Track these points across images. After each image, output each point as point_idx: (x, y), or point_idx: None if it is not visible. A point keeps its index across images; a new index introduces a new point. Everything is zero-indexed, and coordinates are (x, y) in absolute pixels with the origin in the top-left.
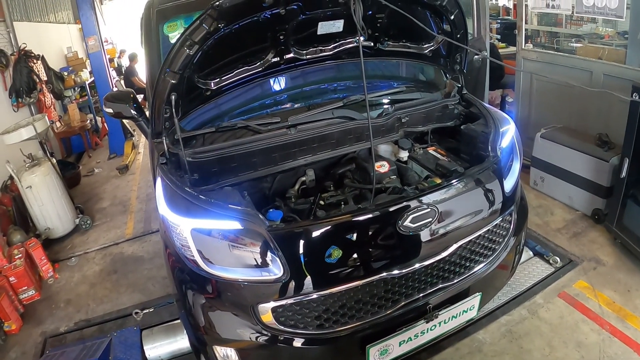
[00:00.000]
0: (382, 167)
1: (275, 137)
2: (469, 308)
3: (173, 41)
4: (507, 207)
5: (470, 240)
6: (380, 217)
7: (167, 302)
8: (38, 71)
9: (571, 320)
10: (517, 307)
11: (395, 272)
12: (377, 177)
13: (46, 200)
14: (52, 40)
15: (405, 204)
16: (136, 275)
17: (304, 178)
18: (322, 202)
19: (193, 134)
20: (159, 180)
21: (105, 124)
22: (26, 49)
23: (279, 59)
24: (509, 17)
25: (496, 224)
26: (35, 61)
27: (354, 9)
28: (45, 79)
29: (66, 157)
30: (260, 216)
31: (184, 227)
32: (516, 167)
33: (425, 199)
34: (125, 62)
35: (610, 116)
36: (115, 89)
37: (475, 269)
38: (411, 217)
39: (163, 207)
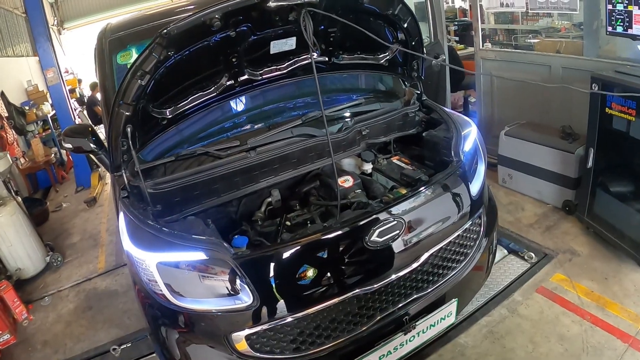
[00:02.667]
0: (346, 181)
1: (236, 162)
2: (447, 315)
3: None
4: (475, 210)
5: (441, 248)
6: (347, 234)
7: (144, 335)
8: None
9: (551, 314)
10: (497, 307)
11: (368, 287)
12: (342, 193)
13: (14, 240)
14: (11, 75)
15: (370, 218)
16: (111, 309)
17: (269, 199)
18: (288, 223)
19: (152, 165)
20: (121, 215)
21: (70, 157)
22: None
23: (233, 81)
24: (466, 19)
25: (466, 228)
26: None
27: (304, 25)
28: (6, 115)
29: (33, 193)
30: (225, 244)
31: (149, 261)
32: (481, 169)
33: (391, 211)
34: (86, 92)
35: (572, 108)
36: (78, 120)
37: (449, 275)
38: (378, 231)
39: (127, 243)
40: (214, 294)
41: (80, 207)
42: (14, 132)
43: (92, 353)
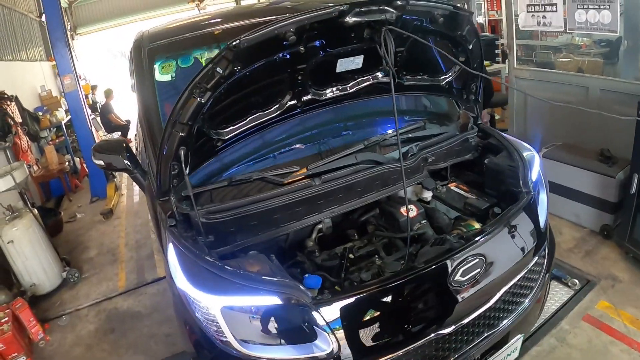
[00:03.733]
0: (409, 211)
1: (299, 190)
2: (513, 351)
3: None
4: (542, 243)
5: (514, 284)
6: (431, 274)
7: None
8: (12, 113)
9: (600, 343)
10: (545, 336)
11: (449, 328)
12: (406, 223)
13: (30, 254)
14: (25, 79)
15: (455, 256)
16: (136, 333)
17: (320, 226)
18: (351, 256)
19: (204, 190)
20: (170, 247)
21: (84, 165)
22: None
23: (296, 101)
24: (486, 34)
25: (535, 262)
26: (9, 103)
27: (384, 44)
28: (20, 120)
29: (45, 202)
30: (301, 287)
31: (213, 305)
32: (544, 199)
33: (472, 248)
34: (99, 98)
35: (610, 131)
36: (92, 129)
37: (517, 311)
38: (461, 270)
39: (182, 282)
40: (288, 341)
41: (96, 219)
42: (27, 138)
43: None
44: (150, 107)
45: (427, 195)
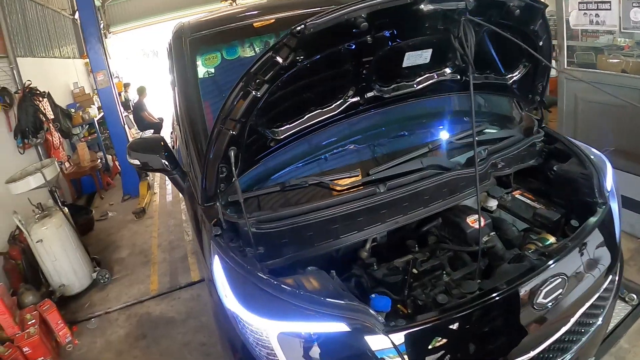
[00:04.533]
0: (476, 221)
1: (362, 198)
2: None
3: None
4: (617, 258)
5: (591, 303)
6: (514, 296)
7: None
8: (44, 109)
9: None
10: (605, 355)
11: (527, 356)
12: (474, 235)
13: (59, 254)
14: (57, 76)
15: (539, 275)
16: (169, 341)
17: (375, 235)
18: (415, 270)
19: (254, 195)
20: (216, 261)
21: (116, 163)
22: (31, 85)
23: (359, 98)
24: None
25: (610, 279)
26: (41, 99)
27: (464, 35)
28: (52, 117)
29: (77, 199)
30: (372, 312)
31: (269, 331)
32: (616, 210)
33: (555, 266)
34: (132, 96)
35: None
36: (125, 126)
37: (590, 331)
38: (544, 291)
39: (232, 302)
40: None
41: (128, 218)
42: (59, 135)
43: None
44: (192, 103)
45: (493, 204)
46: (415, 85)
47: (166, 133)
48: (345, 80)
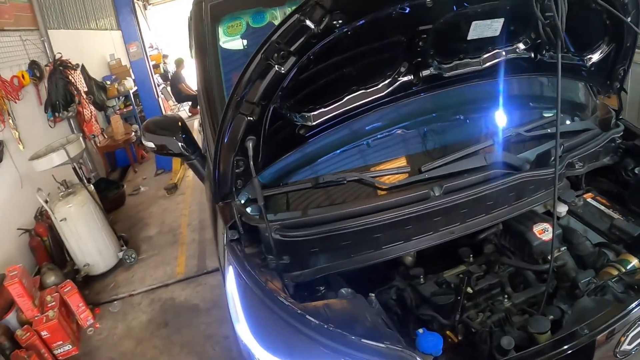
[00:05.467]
0: (544, 232)
1: (413, 203)
2: None
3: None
4: None
5: None
6: (595, 342)
7: None
8: (76, 82)
9: None
10: None
11: None
12: (541, 249)
13: (84, 233)
14: (93, 48)
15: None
16: (191, 331)
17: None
18: (470, 290)
19: (278, 193)
20: (231, 273)
21: None
22: (62, 58)
23: (412, 77)
24: None
25: None
26: (72, 71)
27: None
28: (86, 89)
29: (110, 172)
30: (418, 358)
31: None
32: None
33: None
34: (170, 68)
35: None
36: (161, 97)
37: None
38: (631, 335)
39: (245, 332)
40: None
41: (159, 193)
42: (93, 108)
43: None
44: (210, 77)
45: (563, 209)
46: (481, 63)
47: None
48: (396, 54)
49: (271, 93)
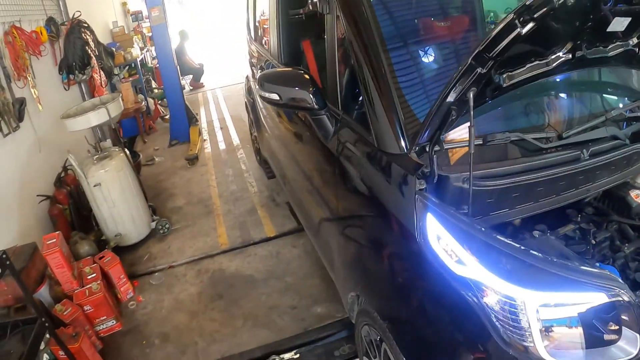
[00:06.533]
0: (638, 197)
1: (567, 162)
2: None
3: None
4: None
5: None
6: None
7: (315, 343)
8: (92, 44)
9: None
10: None
11: None
12: (638, 211)
13: (119, 200)
14: (95, 14)
15: None
16: (251, 302)
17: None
18: (593, 241)
19: (456, 147)
20: (431, 218)
21: (158, 106)
22: (80, 18)
23: (571, 56)
24: None
25: None
26: (89, 33)
27: None
28: (96, 54)
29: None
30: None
31: (528, 302)
32: None
33: None
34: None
35: None
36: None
37: None
38: None
39: (474, 268)
40: (589, 344)
41: (178, 164)
42: (103, 73)
43: None
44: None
45: None
46: (608, 52)
47: (206, 79)
48: (568, 34)
49: (506, 50)
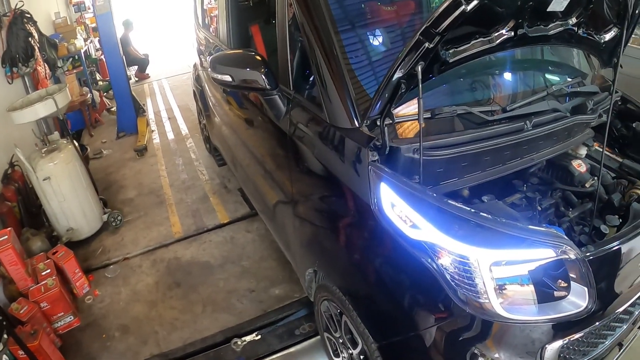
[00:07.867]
0: (580, 166)
1: (511, 133)
2: None
3: None
4: None
5: None
6: None
7: (275, 324)
8: (35, 36)
9: None
10: None
11: None
12: (581, 178)
13: (69, 194)
14: (39, 4)
15: None
16: (209, 288)
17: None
18: (539, 207)
19: (406, 120)
20: (385, 187)
21: (103, 99)
22: (22, 8)
23: (513, 33)
24: None
25: None
26: (32, 24)
27: None
28: (38, 45)
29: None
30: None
31: (481, 260)
32: None
33: None
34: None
35: None
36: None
37: None
38: None
39: (432, 233)
40: (541, 300)
41: (127, 156)
42: (46, 66)
43: (198, 345)
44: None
45: (583, 152)
46: (548, 31)
47: (151, 69)
48: (510, 12)
49: (452, 26)
